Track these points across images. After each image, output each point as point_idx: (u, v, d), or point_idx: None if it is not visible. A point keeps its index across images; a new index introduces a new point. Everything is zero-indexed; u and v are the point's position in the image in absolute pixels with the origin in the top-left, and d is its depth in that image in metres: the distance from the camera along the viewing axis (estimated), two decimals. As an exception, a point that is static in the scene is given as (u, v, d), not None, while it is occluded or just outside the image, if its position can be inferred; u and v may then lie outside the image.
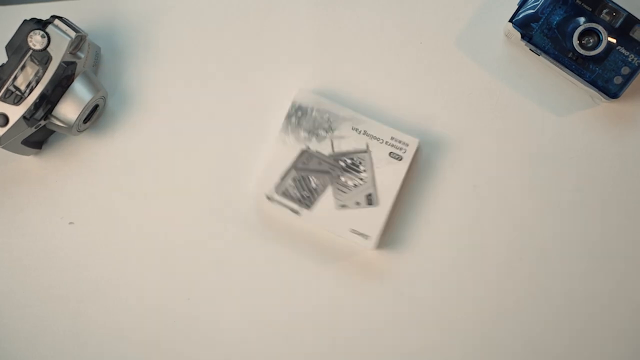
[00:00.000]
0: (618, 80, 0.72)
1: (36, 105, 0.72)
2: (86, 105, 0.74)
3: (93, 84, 0.75)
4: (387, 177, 0.73)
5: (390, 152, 0.73)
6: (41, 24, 0.72)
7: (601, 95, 0.72)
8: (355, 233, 0.73)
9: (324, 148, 0.73)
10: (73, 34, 0.72)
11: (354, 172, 0.73)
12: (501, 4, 0.77)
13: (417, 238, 0.76)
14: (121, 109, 0.79)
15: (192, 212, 0.77)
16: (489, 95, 0.76)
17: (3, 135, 0.71)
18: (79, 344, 0.76)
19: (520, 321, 0.75)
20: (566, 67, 0.72)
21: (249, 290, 0.76)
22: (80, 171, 0.78)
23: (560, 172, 0.75)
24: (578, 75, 0.72)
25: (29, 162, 0.78)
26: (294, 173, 0.73)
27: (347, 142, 0.73)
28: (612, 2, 0.71)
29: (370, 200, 0.73)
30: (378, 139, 0.73)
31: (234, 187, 0.77)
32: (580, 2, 0.72)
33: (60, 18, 0.72)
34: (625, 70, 0.72)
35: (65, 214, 0.78)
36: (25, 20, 0.72)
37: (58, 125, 0.74)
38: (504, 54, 0.77)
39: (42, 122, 0.74)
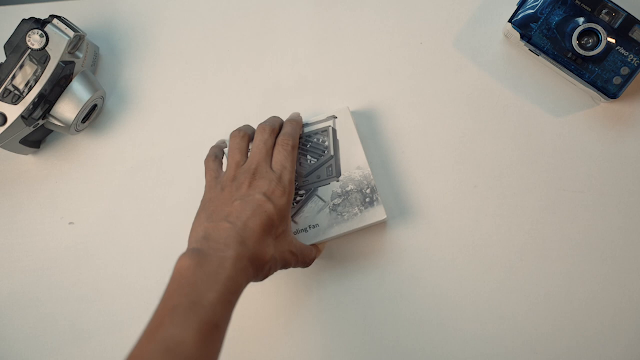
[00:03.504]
0: (617, 80, 0.72)
1: (35, 104, 0.71)
2: (84, 105, 0.74)
3: (91, 83, 0.75)
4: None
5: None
6: (40, 24, 0.71)
7: (601, 95, 0.72)
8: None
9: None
10: (72, 33, 0.72)
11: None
12: (501, 5, 0.77)
13: (417, 239, 0.76)
14: (120, 109, 0.78)
15: (192, 212, 0.77)
16: (489, 95, 0.76)
17: (1, 134, 0.71)
18: (79, 344, 0.76)
19: (520, 321, 0.75)
20: (565, 67, 0.72)
21: (249, 289, 0.76)
22: (80, 171, 0.78)
23: (560, 172, 0.75)
24: (577, 75, 0.72)
25: (28, 161, 0.78)
26: None
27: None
28: (612, 2, 0.71)
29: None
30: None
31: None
32: (579, 3, 0.72)
33: (59, 18, 0.72)
34: (625, 70, 0.72)
35: (65, 214, 0.77)
36: (24, 20, 0.72)
37: (56, 125, 0.74)
38: (504, 55, 0.77)
39: (41, 122, 0.74)
